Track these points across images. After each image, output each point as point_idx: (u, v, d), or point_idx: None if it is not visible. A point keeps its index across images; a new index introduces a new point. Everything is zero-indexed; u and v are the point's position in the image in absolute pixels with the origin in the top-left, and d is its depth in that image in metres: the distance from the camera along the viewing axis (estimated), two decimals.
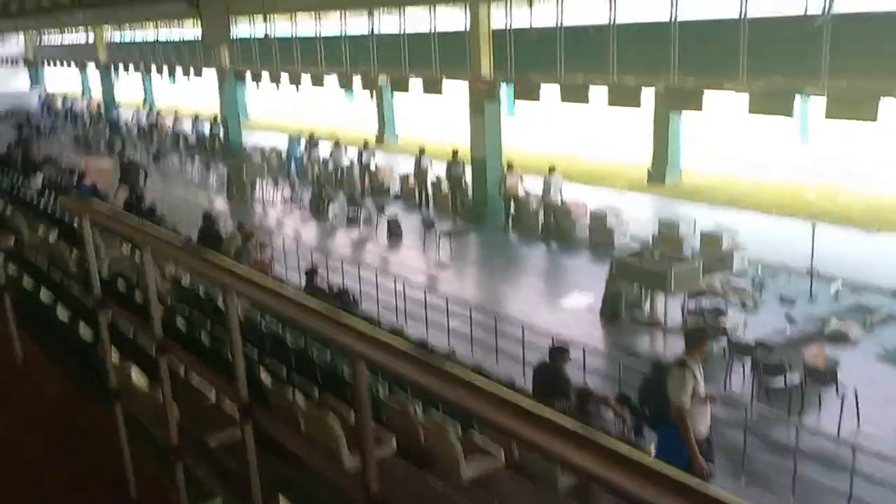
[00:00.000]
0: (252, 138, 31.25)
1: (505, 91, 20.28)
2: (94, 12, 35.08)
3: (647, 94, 16.11)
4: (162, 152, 30.29)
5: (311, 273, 11.17)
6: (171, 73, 32.60)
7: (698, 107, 14.32)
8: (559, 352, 7.86)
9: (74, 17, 38.49)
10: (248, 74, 27.21)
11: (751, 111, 13.81)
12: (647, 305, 12.46)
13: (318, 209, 20.86)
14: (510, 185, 18.12)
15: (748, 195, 21.03)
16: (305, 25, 27.41)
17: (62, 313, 6.62)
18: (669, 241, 15.27)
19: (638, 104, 14.91)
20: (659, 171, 22.70)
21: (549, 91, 16.98)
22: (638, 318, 12.46)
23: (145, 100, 51.13)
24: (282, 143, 29.17)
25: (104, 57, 40.92)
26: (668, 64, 14.53)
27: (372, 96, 30.28)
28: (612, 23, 15.41)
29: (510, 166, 18.30)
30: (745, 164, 25.02)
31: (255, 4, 24.97)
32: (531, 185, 18.67)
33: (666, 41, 14.61)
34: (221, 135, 30.42)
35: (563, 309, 13.54)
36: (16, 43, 55.17)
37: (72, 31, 44.68)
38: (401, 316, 12.69)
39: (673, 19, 14.40)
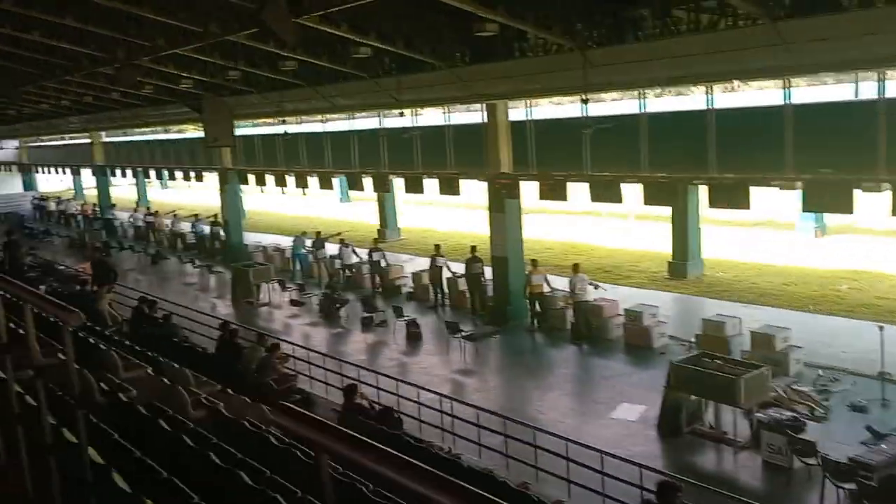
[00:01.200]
0: (251, 237, 30.52)
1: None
2: (93, 117, 34.94)
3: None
4: (161, 253, 29.36)
5: (349, 390, 10.07)
6: (171, 175, 32.05)
7: (746, 205, 13.51)
8: (669, 491, 6.69)
9: (73, 122, 38.41)
10: (253, 178, 26.54)
11: (805, 210, 13.10)
12: (710, 417, 11.37)
13: (328, 311, 19.83)
14: (535, 283, 17.25)
15: (777, 289, 20.26)
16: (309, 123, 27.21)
17: None
18: (715, 341, 14.35)
19: (674, 203, 14.14)
20: (680, 265, 21.99)
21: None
22: (701, 432, 11.34)
23: (139, 199, 50.93)
24: (283, 242, 28.52)
25: (100, 159, 40.58)
26: (705, 158, 13.93)
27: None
28: (642, 112, 14.90)
29: (534, 264, 17.49)
30: (762, 254, 24.44)
31: (258, 107, 24.66)
32: (556, 283, 17.85)
33: (701, 131, 14.08)
34: (222, 234, 29.73)
35: (611, 421, 12.40)
36: (11, 147, 55.08)
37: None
38: (446, 436, 11.56)
39: (710, 107, 13.91)
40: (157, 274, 27.67)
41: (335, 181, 25.48)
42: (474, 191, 21.48)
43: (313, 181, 23.82)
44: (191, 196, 50.39)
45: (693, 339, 15.19)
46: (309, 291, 21.30)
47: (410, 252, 27.77)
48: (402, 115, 23.24)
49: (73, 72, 23.46)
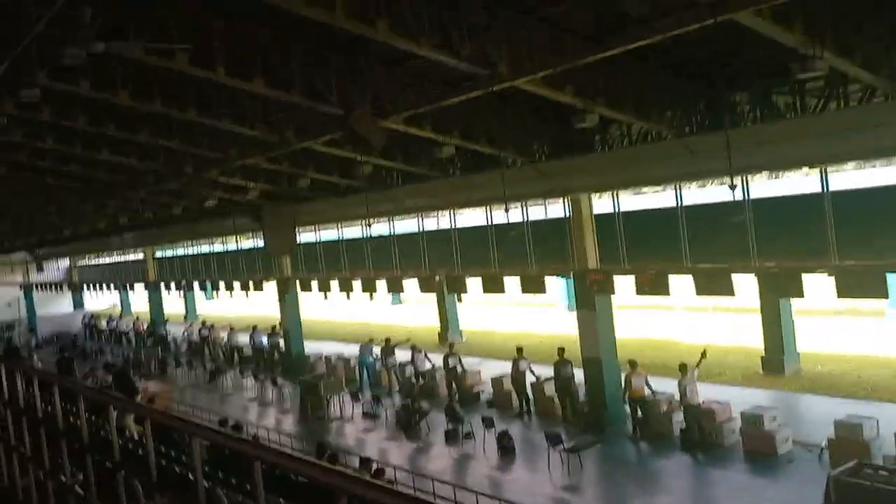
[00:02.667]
0: (309, 346, 29.66)
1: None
2: (148, 234, 35.10)
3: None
4: (219, 368, 28.56)
5: None
6: (229, 287, 31.67)
7: (884, 294, 12.52)
8: None
9: (127, 239, 38.68)
10: (316, 284, 25.91)
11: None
12: None
13: (407, 424, 18.63)
14: (636, 387, 15.99)
15: (888, 382, 18.68)
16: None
17: None
18: (851, 445, 12.88)
19: (802, 294, 12.95)
20: (775, 360, 20.55)
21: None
22: None
23: (187, 313, 50.73)
24: (344, 350, 27.63)
25: (153, 274, 40.61)
26: (825, 244, 12.93)
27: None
28: (745, 199, 14.03)
29: (633, 365, 16.28)
30: (856, 344, 22.92)
31: (322, 214, 24.36)
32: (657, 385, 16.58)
33: (815, 216, 13.14)
34: (282, 345, 28.97)
35: None
36: (57, 268, 55.82)
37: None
38: None
39: (825, 190, 13.01)
40: (217, 391, 26.74)
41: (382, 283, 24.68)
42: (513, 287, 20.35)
43: (381, 284, 23.06)
44: (238, 307, 50.12)
45: (823, 444, 13.71)
46: (383, 402, 20.15)
47: (477, 355, 26.64)
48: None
49: (138, 188, 23.46)
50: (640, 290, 15.11)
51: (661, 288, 14.77)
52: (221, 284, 32.22)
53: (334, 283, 24.95)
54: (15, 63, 11.63)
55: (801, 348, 21.47)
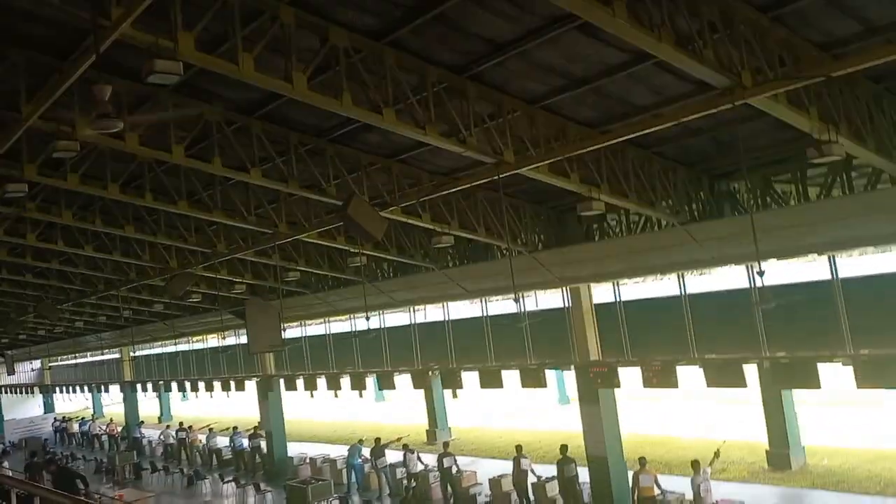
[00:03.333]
0: (292, 447, 28.34)
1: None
2: (125, 332, 34.11)
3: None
4: (198, 473, 27.11)
5: None
6: (209, 387, 30.54)
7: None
8: None
9: (104, 339, 37.61)
10: (301, 383, 25.02)
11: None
12: None
13: None
14: (644, 485, 15.19)
15: None
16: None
17: None
18: None
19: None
20: (781, 454, 19.83)
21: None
22: None
23: (162, 414, 48.94)
24: (329, 451, 26.45)
25: (129, 374, 39.31)
26: (838, 332, 12.61)
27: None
28: (752, 287, 13.75)
29: (643, 463, 15.52)
30: (855, 437, 22.33)
31: (309, 308, 23.79)
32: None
33: (826, 304, 12.85)
34: (264, 447, 27.70)
35: None
36: (30, 369, 54.02)
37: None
38: None
39: (835, 277, 12.77)
40: (196, 497, 25.27)
41: (370, 380, 23.99)
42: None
43: (370, 381, 22.33)
44: (216, 407, 48.45)
45: None
46: None
47: (468, 454, 25.60)
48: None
49: (119, 285, 22.82)
50: (648, 383, 14.56)
51: (668, 380, 14.24)
52: (201, 384, 31.06)
53: (321, 381, 24.10)
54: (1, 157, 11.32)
55: (804, 441, 20.85)
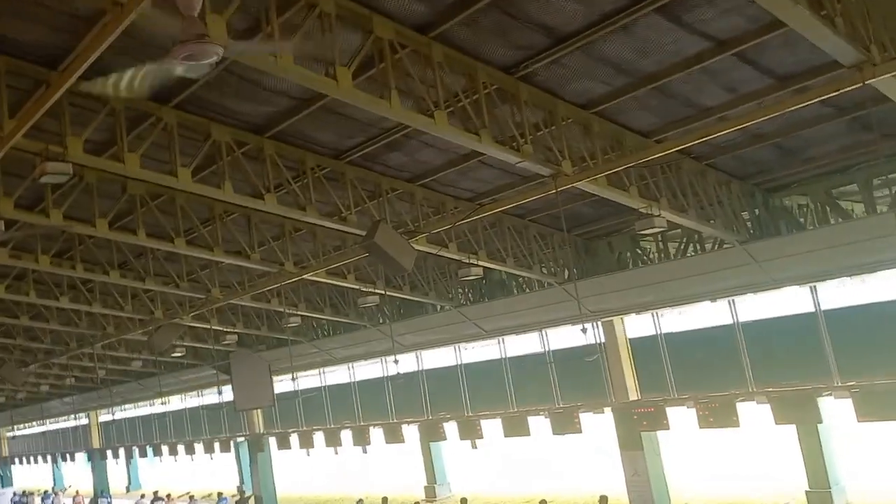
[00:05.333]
0: None
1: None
2: (92, 395, 31.85)
3: None
4: None
5: None
6: (190, 450, 28.31)
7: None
8: None
9: (68, 403, 35.11)
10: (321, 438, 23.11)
11: None
12: None
13: None
14: None
15: None
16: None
17: None
18: None
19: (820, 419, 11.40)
20: (823, 494, 18.46)
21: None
22: None
23: (130, 483, 45.97)
24: None
25: (97, 441, 36.73)
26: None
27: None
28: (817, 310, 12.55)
29: None
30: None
31: (305, 357, 22.06)
32: None
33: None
34: None
35: None
36: None
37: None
38: None
39: None
40: None
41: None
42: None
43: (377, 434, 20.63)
44: (183, 474, 45.61)
45: None
46: None
47: None
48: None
49: (94, 341, 20.92)
50: (704, 422, 13.18)
51: (728, 419, 12.88)
52: (181, 447, 28.79)
53: (318, 437, 22.27)
54: None
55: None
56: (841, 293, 12.60)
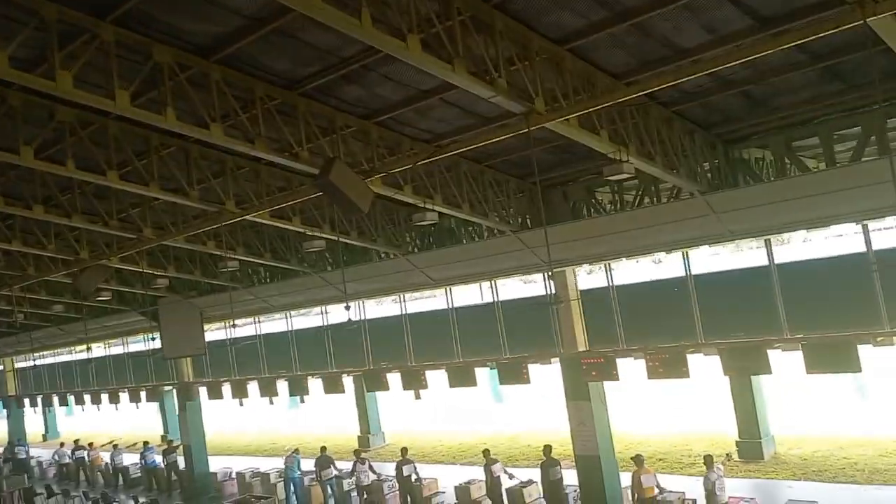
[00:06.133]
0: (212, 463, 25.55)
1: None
2: (7, 341, 30.23)
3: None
4: (107, 496, 23.89)
5: None
6: (114, 399, 27.22)
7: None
8: None
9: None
10: (229, 388, 22.44)
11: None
12: None
13: None
14: (647, 485, 13.83)
15: (882, 463, 17.47)
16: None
17: None
18: None
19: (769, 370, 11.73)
20: (753, 444, 19.05)
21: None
22: None
23: (47, 431, 44.52)
24: (255, 465, 23.96)
25: (12, 388, 35.04)
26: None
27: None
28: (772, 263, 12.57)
29: (640, 461, 14.16)
30: (809, 422, 21.98)
31: (245, 304, 21.21)
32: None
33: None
34: (181, 463, 24.83)
35: None
36: None
37: None
38: None
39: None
40: None
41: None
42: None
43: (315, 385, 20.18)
44: (102, 422, 44.33)
45: None
46: None
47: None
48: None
49: (13, 283, 19.57)
50: (653, 373, 13.17)
51: (677, 370, 12.90)
52: (104, 396, 27.67)
53: (252, 387, 21.64)
54: None
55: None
56: (793, 249, 12.67)
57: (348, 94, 10.71)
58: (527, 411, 30.93)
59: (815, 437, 20.72)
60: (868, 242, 11.46)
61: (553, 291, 14.48)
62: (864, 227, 11.51)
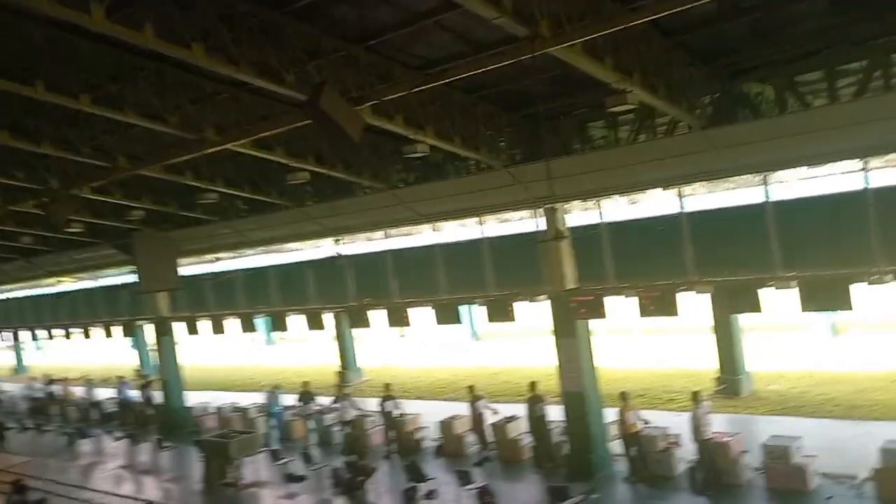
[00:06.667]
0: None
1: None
2: None
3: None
4: (81, 431, 23.69)
5: None
6: (87, 333, 26.77)
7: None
8: None
9: None
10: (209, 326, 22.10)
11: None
12: None
13: (350, 486, 15.45)
14: (629, 422, 13.89)
15: (856, 398, 17.79)
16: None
17: None
18: None
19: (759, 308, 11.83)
20: (732, 380, 19.29)
21: None
22: None
23: (17, 367, 44.21)
24: (233, 400, 23.85)
25: None
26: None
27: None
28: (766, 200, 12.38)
29: (625, 398, 14.20)
30: (792, 360, 22.32)
31: (217, 239, 20.71)
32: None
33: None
34: (156, 398, 24.64)
35: None
36: None
37: None
38: None
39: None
40: (82, 459, 21.90)
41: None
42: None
43: (295, 321, 19.91)
44: (72, 357, 44.02)
45: (863, 476, 12.18)
46: (314, 460, 16.74)
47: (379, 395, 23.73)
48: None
49: None
50: (645, 311, 13.05)
51: (667, 308, 12.79)
52: (77, 330, 27.21)
53: (230, 324, 21.32)
54: None
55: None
56: (789, 188, 12.49)
57: (338, 13, 10.12)
58: (503, 349, 31.13)
59: (789, 374, 21.08)
60: (867, 181, 11.27)
61: (544, 228, 14.21)
62: (865, 164, 11.31)
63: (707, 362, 20.99)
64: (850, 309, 11.22)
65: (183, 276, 21.66)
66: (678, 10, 8.44)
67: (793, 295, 11.65)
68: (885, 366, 20.05)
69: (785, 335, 25.64)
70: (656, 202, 13.62)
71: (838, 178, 11.44)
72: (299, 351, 38.16)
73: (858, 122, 10.80)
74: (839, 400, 17.85)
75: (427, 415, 19.13)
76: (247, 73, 9.88)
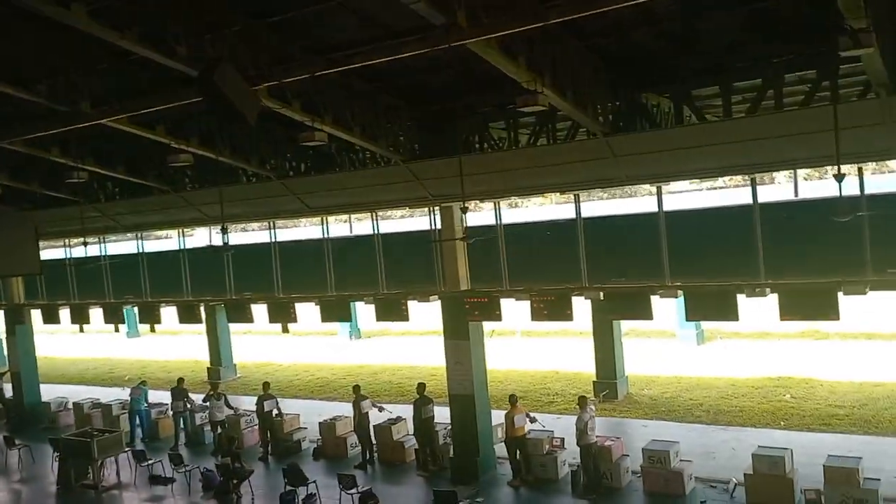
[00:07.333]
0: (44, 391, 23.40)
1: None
2: None
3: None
4: None
5: None
6: None
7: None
8: None
9: None
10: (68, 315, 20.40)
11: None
12: None
13: (223, 489, 14.62)
14: (518, 425, 13.86)
15: (722, 404, 18.63)
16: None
17: None
18: (774, 481, 11.88)
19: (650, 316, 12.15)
20: (610, 384, 19.76)
21: None
22: None
23: None
24: (92, 395, 22.21)
25: None
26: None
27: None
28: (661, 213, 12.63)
29: (514, 401, 14.15)
30: (660, 365, 23.18)
31: (81, 222, 19.12)
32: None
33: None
34: (8, 391, 22.60)
35: None
36: None
37: None
38: None
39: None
40: None
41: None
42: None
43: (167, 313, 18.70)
44: None
45: (735, 480, 12.67)
46: (186, 463, 15.71)
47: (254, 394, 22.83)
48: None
49: None
50: (537, 315, 13.01)
51: (562, 312, 12.81)
52: None
53: (96, 313, 19.80)
54: None
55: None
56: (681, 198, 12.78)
57: None
58: (384, 348, 30.73)
59: (659, 378, 21.85)
60: (755, 196, 11.70)
61: (439, 227, 13.95)
62: (752, 181, 11.74)
63: (586, 365, 21.46)
64: (736, 319, 11.57)
65: (44, 261, 19.90)
66: (595, 12, 8.34)
67: (678, 304, 11.90)
68: (747, 372, 21.16)
69: (655, 342, 26.63)
70: (555, 207, 13.63)
71: (728, 191, 11.76)
72: (169, 344, 36.27)
73: (750, 139, 11.16)
74: (706, 405, 18.62)
75: (306, 414, 18.50)
76: (133, 41, 9.01)
